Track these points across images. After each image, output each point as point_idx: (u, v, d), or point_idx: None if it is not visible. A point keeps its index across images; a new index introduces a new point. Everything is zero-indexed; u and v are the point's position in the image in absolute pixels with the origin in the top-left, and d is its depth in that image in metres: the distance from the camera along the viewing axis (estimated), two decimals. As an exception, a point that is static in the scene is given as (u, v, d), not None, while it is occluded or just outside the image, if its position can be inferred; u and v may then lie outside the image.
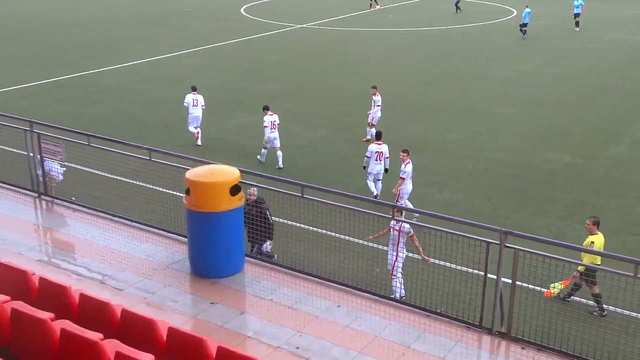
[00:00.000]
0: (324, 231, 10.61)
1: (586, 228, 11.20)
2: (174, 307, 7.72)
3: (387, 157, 15.40)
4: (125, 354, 5.17)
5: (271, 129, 17.28)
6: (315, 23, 40.49)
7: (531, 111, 22.46)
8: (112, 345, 5.40)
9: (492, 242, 7.28)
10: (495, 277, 7.28)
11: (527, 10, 35.58)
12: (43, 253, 9.13)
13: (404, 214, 11.24)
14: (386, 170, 15.44)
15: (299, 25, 39.48)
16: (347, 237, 10.86)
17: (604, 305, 10.48)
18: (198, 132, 19.02)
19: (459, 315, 7.68)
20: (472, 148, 18.82)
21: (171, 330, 5.82)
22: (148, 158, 9.70)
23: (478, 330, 7.46)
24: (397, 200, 14.06)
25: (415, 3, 48.70)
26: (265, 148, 17.43)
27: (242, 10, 45.76)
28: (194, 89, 19.54)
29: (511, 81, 26.81)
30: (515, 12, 45.68)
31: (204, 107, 19.27)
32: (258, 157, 17.55)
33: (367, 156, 15.45)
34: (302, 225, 10.82)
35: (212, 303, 7.83)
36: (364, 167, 15.62)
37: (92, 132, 11.15)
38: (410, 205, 13.86)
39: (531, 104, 23.30)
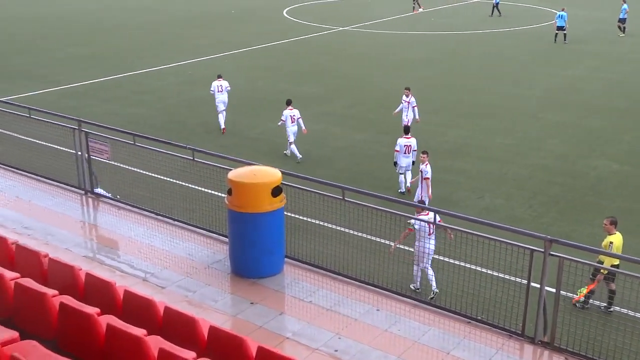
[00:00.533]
0: (363, 234, 10.61)
1: (604, 228, 10.97)
2: (214, 306, 7.81)
3: (414, 150, 15.77)
4: (168, 351, 5.25)
5: (291, 122, 17.98)
6: (358, 26, 40.45)
7: (579, 117, 21.99)
8: (155, 342, 5.50)
9: (536, 250, 7.15)
10: (538, 285, 7.16)
11: (562, 13, 34.79)
12: (89, 249, 9.34)
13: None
14: (413, 162, 15.86)
15: (341, 28, 39.50)
16: (386, 241, 10.83)
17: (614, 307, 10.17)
18: (222, 116, 20.32)
19: (500, 323, 7.57)
20: (516, 153, 18.52)
21: (212, 329, 5.89)
22: (191, 158, 9.83)
23: (520, 339, 7.34)
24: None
25: (458, 6, 48.22)
26: (290, 141, 18.05)
27: (284, 12, 46.03)
28: (219, 76, 20.98)
29: (559, 86, 26.30)
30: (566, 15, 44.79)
31: (228, 89, 20.70)
32: (285, 152, 18.20)
33: (396, 150, 15.91)
34: (342, 228, 10.85)
35: (251, 303, 7.89)
36: (395, 163, 16.07)
37: (136, 131, 11.37)
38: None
39: (579, 110, 22.82)
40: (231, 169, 8.76)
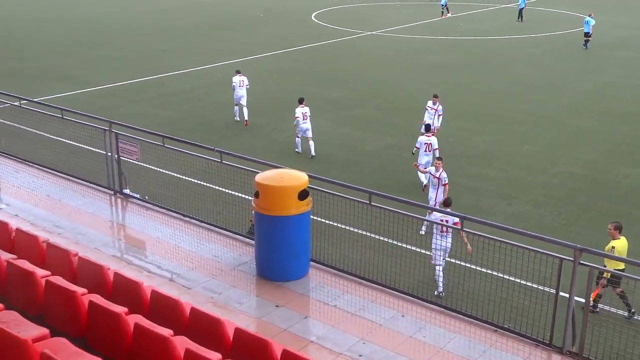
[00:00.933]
0: (389, 239, 10.56)
1: (608, 233, 10.97)
2: (239, 308, 7.84)
3: (435, 149, 16.06)
4: (194, 352, 5.29)
5: (303, 119, 18.47)
6: (386, 30, 40.40)
7: (610, 124, 21.65)
8: (181, 342, 5.54)
9: (565, 259, 7.05)
10: (567, 294, 7.06)
11: (589, 19, 34.47)
12: (117, 249, 9.46)
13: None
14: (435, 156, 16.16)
15: (369, 32, 39.48)
16: (412, 247, 10.77)
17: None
18: (239, 109, 21.69)
19: (528, 332, 7.48)
20: (545, 160, 18.29)
21: (238, 331, 5.92)
22: (219, 160, 9.90)
23: (547, 349, 7.24)
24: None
25: (486, 12, 47.85)
26: (298, 137, 18.84)
27: (312, 16, 46.16)
28: (238, 72, 22.19)
29: (589, 93, 25.94)
30: (594, 22, 44.22)
31: (248, 86, 21.93)
32: (296, 149, 18.84)
33: (416, 147, 16.52)
34: (368, 233, 10.81)
35: (277, 306, 7.91)
36: (412, 154, 16.94)
37: (164, 133, 11.49)
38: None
39: (610, 117, 22.47)
40: (258, 172, 8.80)
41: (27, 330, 5.31)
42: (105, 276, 6.93)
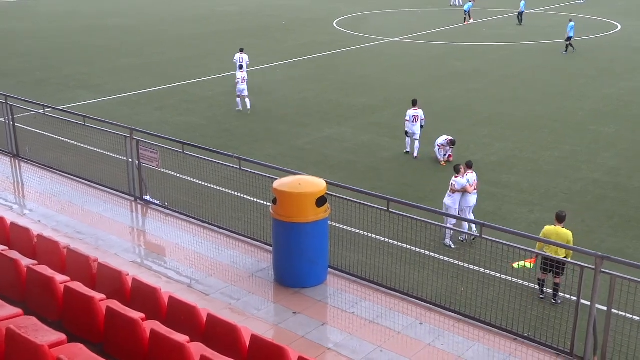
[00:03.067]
0: (408, 246, 10.50)
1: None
2: (257, 315, 7.85)
3: (422, 119, 18.93)
4: (210, 358, 5.29)
5: (242, 82, 22.75)
6: (408, 37, 40.31)
7: (632, 130, 21.32)
8: (197, 349, 5.55)
9: (586, 267, 6.94)
10: (588, 303, 6.94)
11: (571, 24, 34.49)
12: (136, 255, 9.54)
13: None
14: (422, 126, 18.97)
15: (391, 39, 39.42)
16: (431, 253, 10.70)
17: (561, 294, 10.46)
18: (241, 100, 23.48)
19: (548, 341, 7.37)
20: (568, 167, 18.06)
21: (254, 338, 5.92)
22: (238, 167, 9.95)
23: (568, 358, 7.12)
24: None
25: (509, 17, 47.48)
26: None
27: (334, 23, 46.24)
28: (241, 50, 25.93)
29: (613, 98, 25.58)
30: (619, 27, 43.72)
31: (248, 63, 25.51)
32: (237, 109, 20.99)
33: (406, 119, 18.99)
34: (386, 239, 10.77)
35: (294, 313, 7.90)
36: (406, 132, 19.04)
37: (185, 140, 11.58)
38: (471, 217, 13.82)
39: (634, 123, 22.13)
40: (277, 179, 8.82)
41: (44, 335, 5.36)
42: (123, 282, 6.98)
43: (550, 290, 10.66)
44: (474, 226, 13.36)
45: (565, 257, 9.53)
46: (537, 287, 10.87)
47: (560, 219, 10.91)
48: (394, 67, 31.56)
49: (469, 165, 14.10)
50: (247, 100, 23.33)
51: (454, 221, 13.07)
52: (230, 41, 38.10)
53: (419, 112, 18.90)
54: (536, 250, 9.50)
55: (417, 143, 18.78)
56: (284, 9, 53.86)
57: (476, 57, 34.07)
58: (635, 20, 46.76)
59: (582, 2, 59.10)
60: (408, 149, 19.05)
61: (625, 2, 59.91)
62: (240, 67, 24.68)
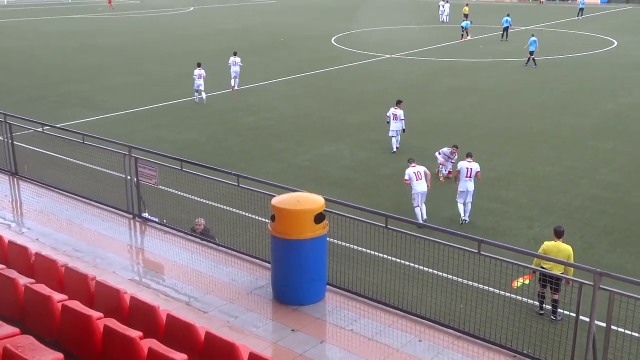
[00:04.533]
0: (406, 262, 10.47)
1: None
2: (255, 332, 7.81)
3: (402, 120, 20.53)
4: (207, 377, 5.26)
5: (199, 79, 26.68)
6: (405, 53, 40.55)
7: (633, 146, 21.38)
8: (195, 367, 5.52)
9: (585, 283, 6.93)
10: (588, 319, 6.92)
11: (533, 38, 35.24)
12: (134, 272, 9.51)
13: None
14: (404, 130, 20.80)
15: (389, 56, 39.65)
16: (430, 270, 10.67)
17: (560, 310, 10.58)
18: (235, 79, 29.78)
19: (547, 357, 7.33)
20: (566, 182, 18.09)
21: (252, 356, 5.89)
22: (236, 184, 9.95)
23: (568, 375, 7.08)
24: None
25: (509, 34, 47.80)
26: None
27: (332, 40, 46.54)
28: (235, 53, 30.23)
29: (611, 114, 25.69)
30: (616, 43, 44.02)
31: (241, 65, 29.92)
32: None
33: (387, 115, 20.81)
34: (385, 256, 10.75)
35: (292, 330, 7.87)
36: (388, 123, 20.80)
37: (184, 157, 11.59)
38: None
39: (633, 138, 22.21)
40: (275, 195, 8.82)
41: (41, 355, 5.33)
42: (121, 300, 6.95)
43: (549, 307, 10.67)
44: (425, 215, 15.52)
45: (562, 273, 9.56)
46: (536, 302, 10.89)
47: (558, 234, 10.95)
48: (392, 83, 31.71)
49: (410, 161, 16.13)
50: (203, 94, 27.81)
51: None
52: (230, 58, 38.32)
53: (399, 112, 20.59)
54: (533, 266, 9.52)
55: (393, 140, 20.78)
56: (283, 27, 54.25)
57: (473, 73, 34.26)
58: (631, 36, 47.12)
59: (579, 18, 59.75)
60: (394, 149, 20.75)
61: (620, 19, 60.46)
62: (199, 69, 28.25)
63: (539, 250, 10.78)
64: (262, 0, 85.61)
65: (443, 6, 57.71)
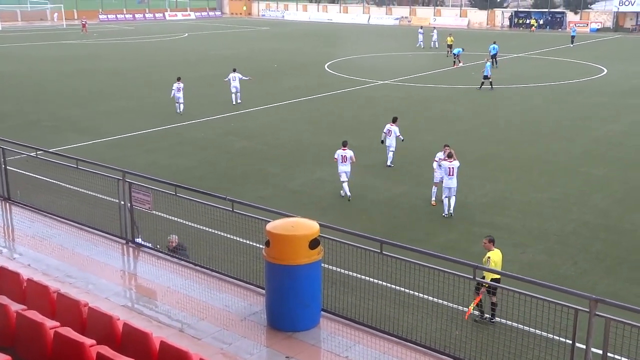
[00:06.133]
0: (401, 288, 10.42)
1: (483, 246, 12.37)
2: (249, 360, 7.73)
3: (397, 136, 21.78)
4: (201, 405, 5.20)
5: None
6: (398, 79, 40.89)
7: (624, 172, 21.54)
8: (188, 395, 5.45)
9: (580, 310, 6.91)
10: (584, 346, 6.89)
11: (488, 64, 37.48)
12: (127, 298, 9.42)
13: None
14: (402, 139, 22.05)
15: (382, 82, 39.98)
16: (425, 296, 10.62)
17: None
18: (236, 94, 32.39)
19: (544, 385, 7.28)
20: (559, 208, 18.16)
21: (246, 383, 5.82)
22: (231, 209, 9.93)
23: (565, 403, 7.03)
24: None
25: (498, 61, 48.32)
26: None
27: (326, 66, 46.90)
28: (234, 70, 32.85)
29: (602, 140, 25.91)
30: (605, 71, 44.58)
31: (241, 78, 32.50)
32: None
33: (383, 131, 21.90)
34: (380, 282, 10.71)
35: (287, 357, 7.79)
36: (382, 142, 22.20)
37: (178, 182, 11.58)
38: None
39: (622, 165, 22.38)
40: (270, 221, 8.80)
41: (33, 382, 5.25)
42: (114, 327, 6.88)
43: (479, 313, 11.63)
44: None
45: (498, 278, 10.50)
46: (477, 312, 11.72)
47: (493, 242, 12.18)
48: (385, 109, 31.88)
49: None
50: (182, 105, 30.42)
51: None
52: (223, 85, 38.53)
53: (394, 128, 21.79)
54: (481, 279, 10.08)
55: (390, 154, 21.79)
56: (276, 53, 54.68)
57: (465, 100, 34.56)
58: (620, 64, 47.76)
59: (571, 45, 60.66)
60: (388, 163, 21.90)
61: (609, 47, 61.32)
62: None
63: (490, 264, 11.66)
64: (255, 27, 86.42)
65: (422, 34, 60.96)
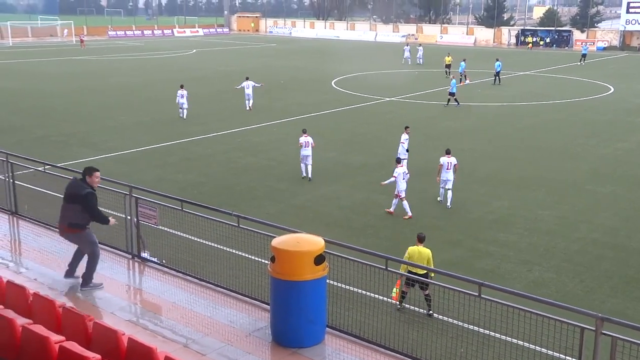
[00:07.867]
0: (406, 305, 10.37)
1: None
2: (254, 376, 7.71)
3: (402, 143, 22.63)
4: (205, 421, 5.18)
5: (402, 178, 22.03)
6: (404, 96, 41.02)
7: (631, 191, 21.45)
8: (192, 411, 5.44)
9: (587, 328, 6.88)
10: (590, 365, 6.85)
11: (454, 81, 37.69)
12: (132, 313, 9.44)
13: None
14: (407, 150, 22.80)
15: (388, 99, 40.10)
16: (430, 312, 10.57)
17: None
18: (249, 100, 35.03)
19: (550, 404, 7.23)
20: (565, 226, 18.09)
21: (250, 400, 5.81)
22: (237, 225, 9.96)
23: (571, 423, 6.97)
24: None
25: (503, 78, 48.44)
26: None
27: (332, 83, 47.11)
28: (247, 78, 35.40)
29: (609, 158, 25.85)
30: (612, 89, 44.60)
31: (254, 85, 35.20)
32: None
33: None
34: (385, 298, 10.69)
35: (291, 374, 7.77)
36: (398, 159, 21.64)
37: (184, 197, 11.64)
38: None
39: (630, 183, 22.30)
40: (275, 236, 8.82)
41: (38, 396, 5.26)
42: (119, 341, 6.89)
43: (407, 305, 11.90)
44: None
45: (425, 273, 10.99)
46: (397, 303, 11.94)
47: (421, 240, 12.59)
48: (391, 126, 31.94)
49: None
50: (185, 111, 32.88)
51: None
52: (230, 100, 38.74)
53: (403, 137, 22.96)
54: (400, 272, 10.37)
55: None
56: (283, 70, 54.99)
57: (472, 117, 34.60)
58: (627, 83, 47.79)
59: (581, 64, 60.84)
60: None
61: (616, 66, 61.39)
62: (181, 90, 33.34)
63: (405, 256, 12.09)
64: (263, 44, 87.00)
65: (409, 50, 62.29)
